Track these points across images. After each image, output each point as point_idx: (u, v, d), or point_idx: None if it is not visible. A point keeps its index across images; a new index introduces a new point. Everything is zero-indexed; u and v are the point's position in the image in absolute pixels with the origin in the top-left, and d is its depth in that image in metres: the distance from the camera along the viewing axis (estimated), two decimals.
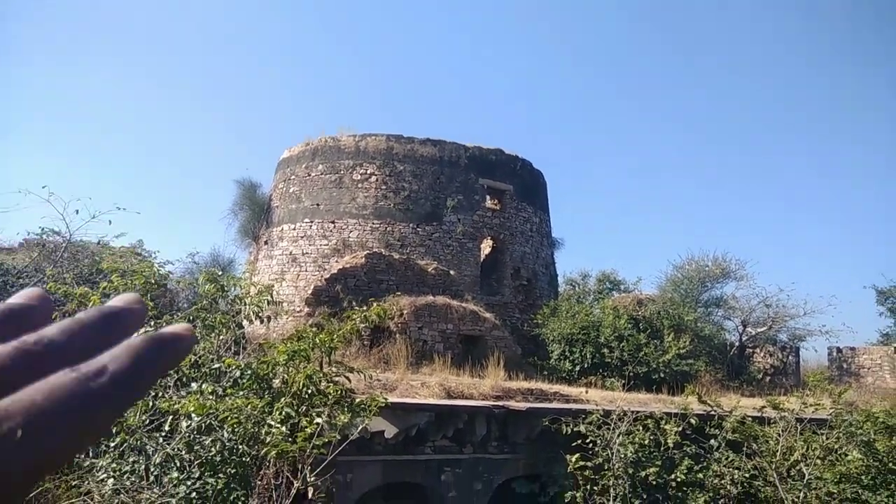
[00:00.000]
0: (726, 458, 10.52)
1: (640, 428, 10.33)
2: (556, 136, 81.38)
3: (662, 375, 16.25)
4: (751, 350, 22.84)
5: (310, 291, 17.67)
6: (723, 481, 10.23)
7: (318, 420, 5.98)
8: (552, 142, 79.08)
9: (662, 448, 10.36)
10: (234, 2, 74.42)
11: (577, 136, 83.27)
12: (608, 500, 9.74)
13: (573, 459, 9.54)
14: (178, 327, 0.50)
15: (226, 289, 7.76)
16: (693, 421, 10.66)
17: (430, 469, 10.56)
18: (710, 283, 23.39)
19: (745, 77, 76.32)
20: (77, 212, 11.29)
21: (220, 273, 7.99)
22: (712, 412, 11.22)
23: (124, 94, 70.90)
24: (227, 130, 78.17)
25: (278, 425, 5.76)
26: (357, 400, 6.79)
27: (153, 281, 7.66)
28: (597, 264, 37.37)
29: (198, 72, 75.34)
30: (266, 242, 21.64)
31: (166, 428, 5.95)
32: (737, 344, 22.42)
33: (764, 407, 11.20)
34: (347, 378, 7.10)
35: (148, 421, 6.12)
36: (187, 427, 5.73)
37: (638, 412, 10.63)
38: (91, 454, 6.48)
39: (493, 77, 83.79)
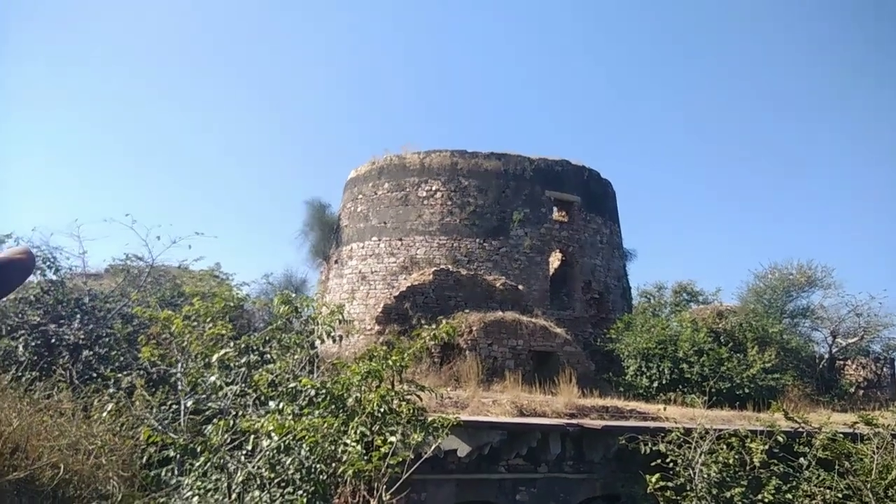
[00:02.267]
0: (817, 478, 9.94)
1: (724, 446, 9.90)
2: (625, 145, 79.94)
3: (747, 391, 15.55)
4: (841, 362, 21.63)
5: (379, 309, 17.87)
6: (814, 502, 9.67)
7: (392, 439, 5.99)
8: (621, 150, 77.76)
9: (748, 467, 9.88)
10: (299, 31, 76.91)
11: (647, 143, 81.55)
12: None
13: (653, 480, 9.20)
14: (11, 251, 0.50)
15: (299, 310, 7.93)
16: (780, 438, 10.14)
17: (505, 488, 10.42)
18: (795, 292, 22.32)
19: (827, 72, 73.05)
20: (158, 238, 11.88)
21: (293, 295, 8.17)
22: (801, 429, 10.66)
23: (199, 126, 74.18)
24: (297, 152, 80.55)
25: (354, 444, 5.80)
26: (430, 419, 6.78)
27: (232, 303, 7.91)
28: (672, 275, 36.25)
29: (266, 98, 78.13)
30: (336, 262, 22.07)
31: (248, 447, 6.09)
32: (826, 356, 21.28)
33: (856, 423, 10.56)
34: (419, 396, 7.12)
35: (229, 440, 6.28)
36: (267, 446, 5.85)
37: (721, 430, 10.19)
38: (177, 472, 6.72)
39: (560, 87, 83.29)
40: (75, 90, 65.37)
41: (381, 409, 6.48)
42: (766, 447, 9.96)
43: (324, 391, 6.58)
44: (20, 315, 10.76)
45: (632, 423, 11.40)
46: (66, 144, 66.19)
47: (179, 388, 7.40)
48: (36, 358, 9.80)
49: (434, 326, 7.69)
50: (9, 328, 10.49)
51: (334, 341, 7.99)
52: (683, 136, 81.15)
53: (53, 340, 10.36)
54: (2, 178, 60.51)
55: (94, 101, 67.09)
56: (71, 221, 13.20)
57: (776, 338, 18.35)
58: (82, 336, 10.41)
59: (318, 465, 5.95)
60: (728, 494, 9.51)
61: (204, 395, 7.06)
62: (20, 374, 8.62)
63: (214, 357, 6.87)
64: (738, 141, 79.13)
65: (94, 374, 9.41)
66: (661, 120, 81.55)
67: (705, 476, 9.57)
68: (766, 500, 9.63)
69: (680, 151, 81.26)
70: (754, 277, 23.48)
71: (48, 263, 11.70)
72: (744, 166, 79.55)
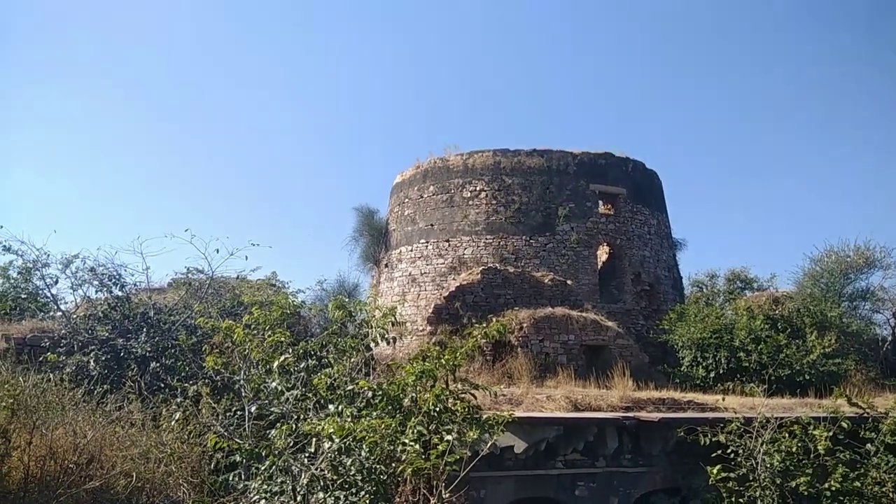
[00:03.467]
0: (886, 464, 9.67)
1: (786, 435, 9.71)
2: (670, 133, 78.33)
3: (807, 377, 15.14)
4: None
5: (430, 310, 18.06)
6: (884, 489, 9.40)
7: (448, 437, 6.11)
8: (666, 139, 76.25)
9: (812, 455, 9.67)
10: (340, 40, 78.03)
11: (692, 129, 79.75)
12: None
13: (714, 471, 9.10)
14: None
15: (353, 314, 8.15)
16: (845, 425, 9.88)
17: (563, 483, 10.43)
18: (853, 274, 21.60)
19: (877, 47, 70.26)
20: (217, 250, 12.29)
21: (346, 300, 8.39)
22: (866, 414, 10.37)
23: (249, 139, 76.05)
24: (343, 160, 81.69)
25: (412, 443, 5.94)
26: (485, 416, 6.88)
27: (289, 311, 8.17)
28: (725, 263, 35.26)
29: (312, 110, 79.55)
30: (386, 265, 22.39)
31: (311, 449, 6.29)
32: (889, 339, 20.55)
33: None
34: (473, 395, 7.23)
35: (292, 443, 6.51)
36: (329, 448, 6.04)
37: (782, 418, 9.99)
38: (244, 477, 6.99)
39: (601, 78, 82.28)
40: (126, 108, 67.85)
41: (437, 409, 6.61)
42: (831, 434, 9.73)
43: (380, 392, 6.76)
44: (90, 331, 11.28)
45: (690, 414, 11.27)
46: (124, 165, 68.76)
47: (243, 394, 7.68)
48: (106, 371, 10.26)
49: (485, 325, 7.79)
50: (80, 344, 11.01)
51: (388, 343, 8.17)
52: (729, 123, 79.18)
53: (122, 354, 10.82)
54: (67, 202, 63.16)
55: (147, 119, 69.49)
56: (133, 239, 13.76)
57: (835, 322, 17.81)
58: (149, 349, 10.85)
59: (378, 466, 6.11)
60: (793, 483, 9.33)
61: (266, 401, 7.32)
62: (92, 387, 9.05)
63: (275, 363, 7.13)
64: (786, 124, 76.86)
65: (162, 385, 9.79)
66: (704, 105, 79.76)
67: (768, 465, 9.41)
68: (834, 489, 9.41)
69: (726, 138, 79.29)
70: (810, 261, 22.82)
71: (114, 280, 12.23)
72: (794, 148, 77.19)
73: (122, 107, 67.22)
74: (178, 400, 8.31)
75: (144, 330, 11.31)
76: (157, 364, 10.57)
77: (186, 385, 8.55)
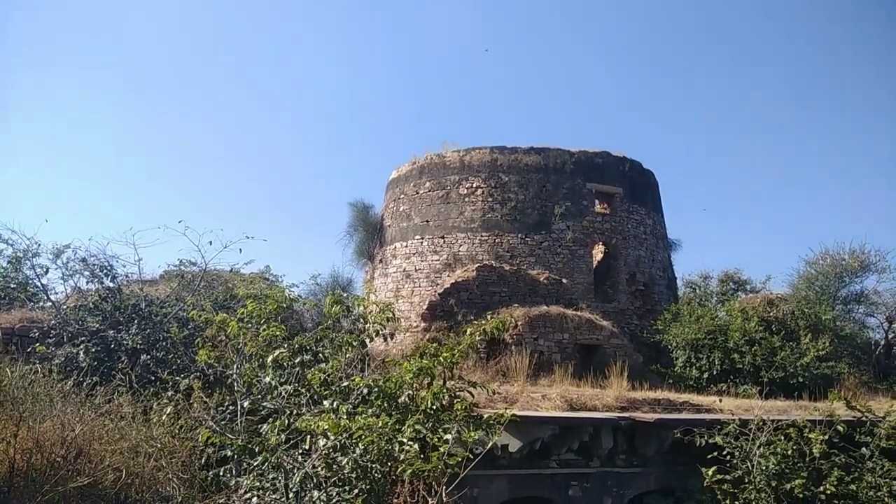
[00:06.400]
0: (881, 468, 9.67)
1: (782, 437, 9.68)
2: (667, 134, 78.38)
3: (801, 380, 15.14)
4: None
5: (425, 307, 17.95)
6: (879, 493, 9.40)
7: (448, 437, 6.00)
8: (663, 139, 76.27)
9: (808, 458, 9.65)
10: (338, 35, 77.69)
11: (689, 130, 79.86)
12: None
13: (709, 473, 9.05)
14: None
15: (350, 309, 8.04)
16: (840, 428, 9.86)
17: (557, 483, 10.37)
18: (847, 277, 21.65)
19: (861, 58, 70.47)
20: (210, 243, 12.09)
21: (344, 295, 8.27)
22: (862, 418, 10.36)
23: (247, 133, 75.69)
24: (340, 155, 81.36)
25: (410, 443, 5.83)
26: (486, 415, 6.79)
27: (284, 305, 8.05)
28: (719, 264, 35.25)
29: (310, 104, 79.21)
30: (381, 261, 22.25)
31: (305, 446, 6.17)
32: (882, 342, 20.60)
33: None
34: (470, 393, 7.14)
35: (285, 439, 6.38)
36: (323, 445, 5.92)
37: (778, 421, 9.96)
38: (235, 472, 6.85)
39: (600, 77, 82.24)
40: (121, 99, 67.35)
41: (434, 407, 6.51)
42: (826, 437, 9.70)
43: (376, 389, 6.65)
44: (80, 322, 11.11)
45: (685, 415, 11.23)
46: (119, 156, 68.26)
47: (236, 388, 7.54)
48: (96, 363, 10.10)
49: (481, 322, 7.71)
50: (69, 335, 10.84)
51: (384, 339, 8.07)
52: (727, 121, 79.33)
53: (112, 346, 10.66)
54: (59, 192, 62.67)
55: (143, 111, 69.01)
56: (126, 230, 13.55)
57: (829, 325, 17.80)
58: (140, 341, 10.69)
59: (373, 464, 6.00)
60: (788, 486, 9.30)
61: (259, 396, 7.19)
62: (81, 379, 8.90)
63: (269, 358, 7.00)
64: (783, 124, 77.07)
65: (153, 378, 9.63)
66: (704, 105, 79.89)
67: (764, 468, 9.37)
68: (829, 492, 9.38)
69: (724, 137, 79.48)
70: (805, 264, 22.87)
71: (105, 271, 12.05)
72: (788, 149, 77.40)
73: (118, 98, 66.73)
74: (170, 394, 8.16)
75: (135, 322, 11.14)
76: (148, 357, 10.41)
77: (178, 378, 8.40)
